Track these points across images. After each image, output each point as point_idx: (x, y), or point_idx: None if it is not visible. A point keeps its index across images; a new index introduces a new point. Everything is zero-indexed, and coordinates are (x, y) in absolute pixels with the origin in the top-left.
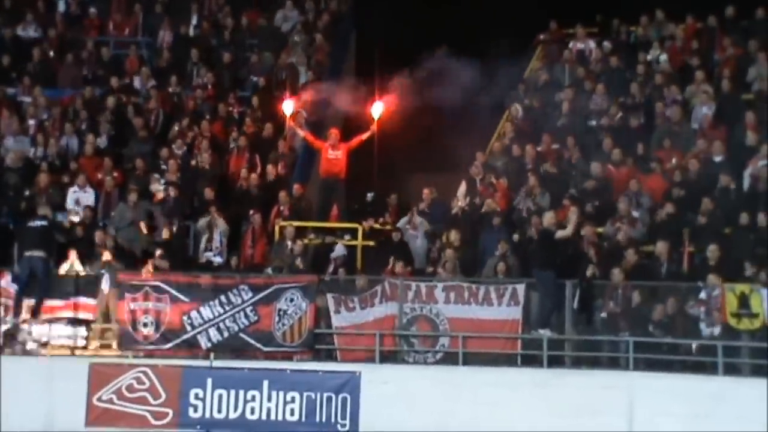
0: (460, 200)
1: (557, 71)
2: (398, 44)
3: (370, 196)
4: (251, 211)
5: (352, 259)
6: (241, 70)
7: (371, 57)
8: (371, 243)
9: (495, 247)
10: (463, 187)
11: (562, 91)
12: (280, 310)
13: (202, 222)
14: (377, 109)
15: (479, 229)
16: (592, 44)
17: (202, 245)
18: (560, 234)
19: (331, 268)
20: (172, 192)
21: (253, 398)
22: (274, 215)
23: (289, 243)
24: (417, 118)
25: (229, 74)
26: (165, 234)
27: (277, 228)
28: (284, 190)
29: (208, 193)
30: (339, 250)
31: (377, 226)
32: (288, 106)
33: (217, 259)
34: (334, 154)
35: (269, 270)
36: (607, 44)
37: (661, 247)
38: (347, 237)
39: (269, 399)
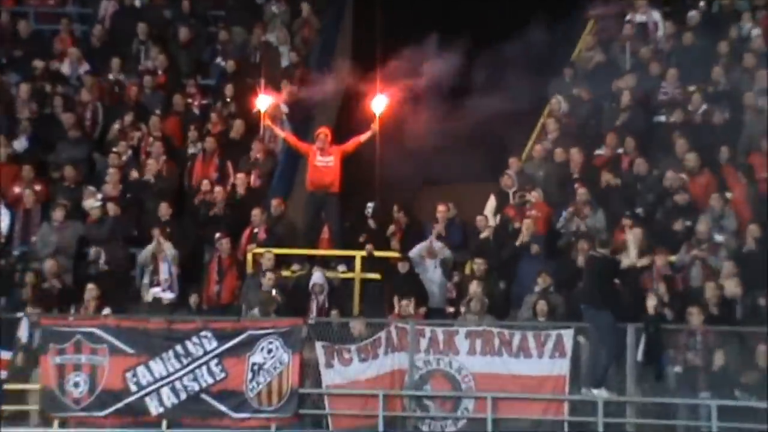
0: (489, 220)
1: (614, 51)
2: (408, 18)
3: (370, 207)
4: (217, 235)
5: (348, 296)
6: (204, 50)
7: (372, 34)
8: (373, 275)
9: (534, 280)
10: (491, 203)
11: (621, 77)
12: (254, 364)
13: (146, 252)
14: (379, 102)
15: (513, 257)
16: (658, 16)
17: (146, 279)
18: (622, 263)
19: (314, 305)
20: (112, 210)
21: None
22: (247, 240)
23: (267, 276)
24: (430, 115)
25: (188, 56)
26: (101, 265)
27: (250, 256)
28: (259, 207)
29: (162, 210)
30: (317, 277)
31: (381, 253)
32: (264, 99)
33: (167, 296)
34: (323, 161)
35: (256, 312)
36: (680, 16)
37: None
38: (341, 268)
39: None
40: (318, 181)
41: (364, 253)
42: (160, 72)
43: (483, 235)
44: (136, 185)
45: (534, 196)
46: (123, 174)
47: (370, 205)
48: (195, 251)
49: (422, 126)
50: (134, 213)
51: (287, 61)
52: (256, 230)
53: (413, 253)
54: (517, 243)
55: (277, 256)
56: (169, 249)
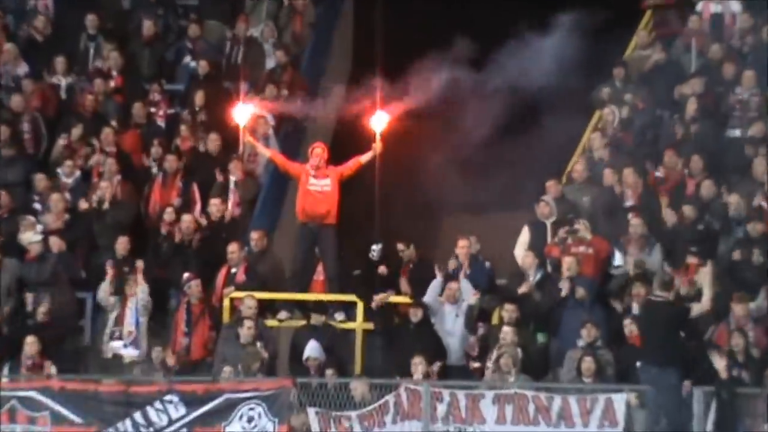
0: (523, 257)
1: (677, 49)
2: (420, 13)
3: (376, 249)
4: (185, 276)
5: (348, 351)
6: (170, 48)
7: (377, 32)
8: (378, 325)
9: (577, 332)
10: (524, 237)
11: (685, 81)
12: None
13: (101, 291)
14: (380, 119)
15: (552, 303)
16: (737, 6)
17: (107, 329)
18: (690, 311)
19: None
20: (55, 245)
21: None
22: (222, 282)
23: (247, 326)
24: (444, 130)
25: (150, 55)
26: (42, 312)
27: (226, 302)
28: (238, 242)
29: (119, 246)
30: (312, 349)
31: (393, 298)
32: (244, 109)
33: (131, 352)
34: (318, 185)
35: (231, 371)
36: (763, 8)
37: None
38: (339, 316)
39: None
40: (311, 210)
41: (378, 300)
42: (115, 74)
43: (522, 289)
44: (85, 215)
45: (582, 227)
46: (69, 200)
47: (375, 247)
48: (158, 296)
49: (435, 144)
50: (83, 249)
51: (273, 62)
52: (233, 270)
53: (429, 297)
54: (561, 288)
55: (260, 301)
56: (142, 292)
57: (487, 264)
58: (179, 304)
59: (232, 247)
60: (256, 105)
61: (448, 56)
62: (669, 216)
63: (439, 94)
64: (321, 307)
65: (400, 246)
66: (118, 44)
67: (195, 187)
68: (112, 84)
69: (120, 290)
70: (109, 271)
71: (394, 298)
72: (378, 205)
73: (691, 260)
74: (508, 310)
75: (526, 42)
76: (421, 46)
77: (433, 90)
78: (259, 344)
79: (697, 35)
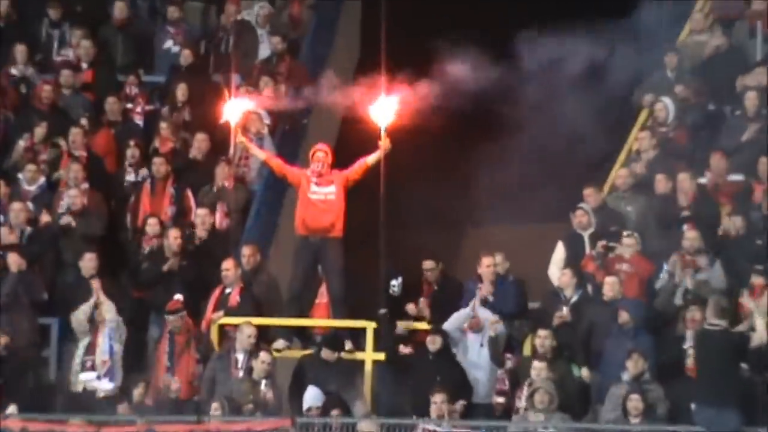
0: (558, 277)
1: (739, 34)
2: None
3: (396, 285)
4: (170, 300)
5: (355, 385)
6: (146, 33)
7: (388, 12)
8: (390, 355)
9: (622, 364)
10: (559, 253)
11: (748, 72)
12: None
13: (81, 314)
14: (387, 110)
15: (592, 331)
16: None
17: (77, 359)
18: (752, 341)
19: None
20: (14, 264)
21: None
22: (214, 305)
23: (262, 359)
24: (469, 127)
25: (125, 43)
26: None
27: (214, 329)
28: (229, 259)
29: (87, 264)
30: (311, 397)
31: (401, 323)
32: (235, 104)
33: (105, 386)
34: (321, 192)
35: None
36: None
37: None
38: (346, 345)
39: None
40: (313, 222)
41: (404, 328)
42: (84, 65)
43: (559, 315)
44: (49, 228)
45: (627, 241)
46: (30, 212)
47: (395, 282)
48: (137, 324)
49: (455, 144)
50: (46, 268)
51: (269, 50)
52: (228, 290)
53: (449, 324)
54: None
55: (254, 327)
56: (110, 313)
57: (517, 284)
58: (162, 333)
59: (227, 264)
60: (249, 100)
61: (474, 42)
62: (730, 227)
63: (462, 86)
64: (334, 340)
65: (429, 264)
66: (88, 30)
67: (189, 193)
68: (82, 77)
69: (91, 315)
70: (96, 290)
71: (409, 324)
72: (381, 214)
73: (757, 280)
74: (542, 338)
75: (558, 29)
76: (443, 29)
77: (455, 81)
78: (264, 382)
79: (762, 17)
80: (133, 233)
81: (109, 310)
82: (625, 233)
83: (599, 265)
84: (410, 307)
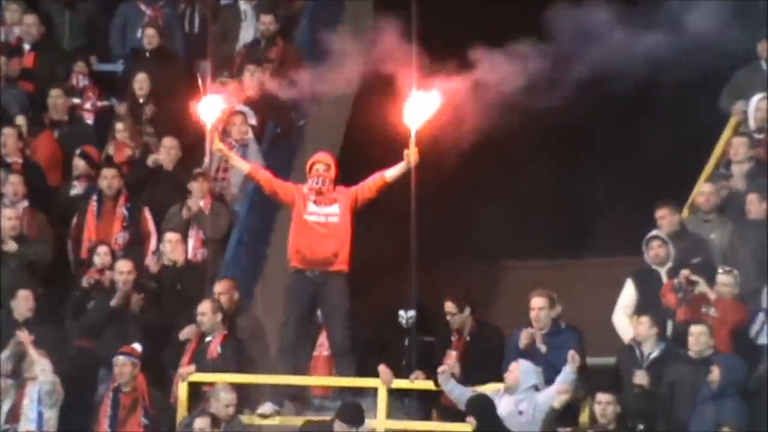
0: (629, 325)
1: None
2: None
3: (408, 316)
4: (123, 349)
5: None
6: (100, 14)
7: None
8: (412, 425)
9: None
10: (629, 293)
11: None
12: None
13: (7, 369)
14: (420, 108)
15: (674, 395)
16: None
17: (2, 415)
18: None
19: None
20: None
21: None
22: (188, 357)
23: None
24: (509, 134)
25: (73, 23)
26: None
27: (182, 387)
28: (206, 301)
29: (21, 303)
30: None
31: (421, 384)
32: (213, 102)
33: None
34: (320, 214)
35: None
36: None
37: None
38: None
39: None
40: (310, 251)
41: (394, 383)
42: (27, 48)
43: (639, 380)
44: None
45: (723, 280)
46: None
47: (406, 314)
48: (82, 381)
49: (495, 155)
50: None
51: (253, 32)
52: (208, 338)
53: (489, 386)
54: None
55: (233, 387)
56: (43, 373)
57: (573, 333)
58: (106, 390)
59: (203, 308)
60: (229, 96)
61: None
62: None
63: (505, 79)
64: (352, 412)
65: (450, 306)
66: (28, 6)
67: (147, 214)
68: (20, 62)
69: (19, 369)
70: (25, 343)
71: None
72: (413, 244)
73: None
74: (603, 404)
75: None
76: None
77: (496, 73)
78: None
79: None
80: (75, 265)
81: (42, 369)
82: (721, 269)
83: (681, 299)
84: (441, 368)
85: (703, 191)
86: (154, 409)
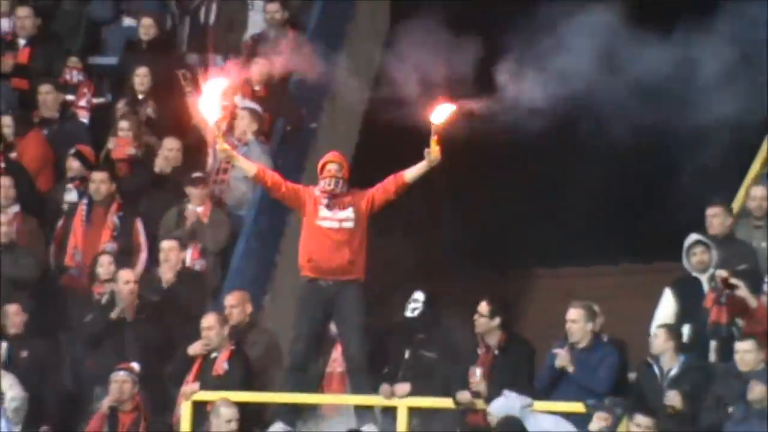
0: (665, 339)
1: None
2: None
3: (416, 305)
4: (121, 365)
5: None
6: (99, 3)
7: None
8: None
9: None
10: (668, 304)
11: None
12: None
13: None
14: (443, 106)
15: (720, 414)
16: None
17: None
18: None
19: None
20: None
21: None
22: (194, 375)
23: None
24: (535, 132)
25: (66, 15)
26: None
27: (185, 406)
28: (210, 314)
29: (12, 317)
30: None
31: (442, 402)
32: (215, 98)
33: None
34: (334, 219)
35: None
36: None
37: None
38: (369, 429)
39: None
40: (323, 259)
41: (410, 402)
42: (22, 43)
43: (672, 401)
44: None
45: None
46: None
47: (417, 298)
48: (76, 395)
49: (524, 153)
50: None
51: (262, 22)
52: (213, 355)
53: (516, 405)
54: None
55: (241, 406)
56: (10, 389)
57: (616, 348)
58: (108, 412)
59: (208, 321)
60: (233, 91)
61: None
62: None
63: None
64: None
65: (484, 308)
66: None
67: (139, 225)
68: (13, 58)
69: None
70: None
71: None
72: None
73: None
74: (642, 427)
75: None
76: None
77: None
78: None
79: None
80: (57, 272)
81: (11, 387)
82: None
83: (726, 312)
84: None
85: (755, 195)
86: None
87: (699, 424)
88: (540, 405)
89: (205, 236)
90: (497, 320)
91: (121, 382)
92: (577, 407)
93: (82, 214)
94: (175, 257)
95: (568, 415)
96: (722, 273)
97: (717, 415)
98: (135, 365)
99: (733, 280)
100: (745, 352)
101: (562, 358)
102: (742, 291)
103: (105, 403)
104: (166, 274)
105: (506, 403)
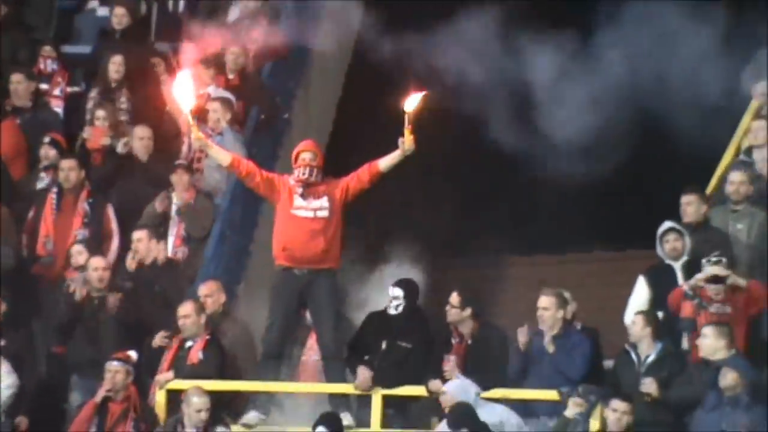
0: (639, 326)
1: None
2: None
3: (396, 300)
4: (117, 355)
5: None
6: None
7: None
8: None
9: None
10: (642, 292)
11: None
12: None
13: None
14: (416, 95)
15: (689, 400)
16: None
17: None
18: None
19: None
20: None
21: None
22: (168, 363)
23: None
24: (515, 119)
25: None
26: None
27: (161, 395)
28: (188, 302)
29: None
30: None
31: (415, 390)
32: (190, 86)
33: None
34: (308, 208)
35: None
36: None
37: None
38: (346, 419)
39: None
40: (298, 248)
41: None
42: None
43: (648, 388)
44: None
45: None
46: None
47: (397, 295)
48: (52, 387)
49: (496, 140)
50: None
51: (237, 10)
52: (188, 343)
53: (471, 390)
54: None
55: (214, 395)
56: (9, 379)
57: (588, 335)
58: (81, 398)
59: (185, 309)
60: (208, 79)
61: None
62: None
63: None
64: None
65: (455, 299)
66: None
67: (110, 211)
68: None
69: None
70: None
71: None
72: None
73: None
74: (618, 413)
75: None
76: None
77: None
78: None
79: None
80: (30, 261)
81: (6, 373)
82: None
83: (696, 306)
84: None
85: (733, 180)
86: (144, 419)
87: (673, 411)
88: (513, 393)
89: (190, 222)
90: (468, 311)
91: (114, 372)
92: (551, 395)
93: (52, 203)
94: (144, 247)
95: (541, 403)
96: (709, 272)
97: (690, 402)
98: (132, 354)
99: (723, 272)
100: (704, 337)
101: (522, 335)
102: (732, 278)
103: (99, 393)
104: (131, 264)
105: (461, 385)
